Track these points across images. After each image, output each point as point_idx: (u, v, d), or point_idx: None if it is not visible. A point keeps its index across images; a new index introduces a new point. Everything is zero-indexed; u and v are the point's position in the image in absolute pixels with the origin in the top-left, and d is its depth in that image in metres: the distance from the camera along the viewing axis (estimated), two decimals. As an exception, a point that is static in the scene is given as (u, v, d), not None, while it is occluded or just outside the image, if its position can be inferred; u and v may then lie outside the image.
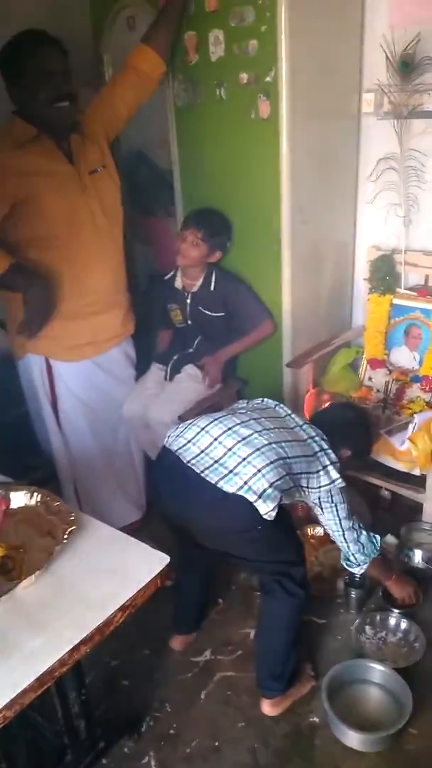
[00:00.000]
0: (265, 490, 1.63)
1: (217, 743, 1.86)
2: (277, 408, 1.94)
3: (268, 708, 1.91)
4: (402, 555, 2.34)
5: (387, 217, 2.61)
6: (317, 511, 1.89)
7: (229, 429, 1.77)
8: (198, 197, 2.63)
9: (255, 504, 1.62)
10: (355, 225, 2.74)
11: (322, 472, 1.80)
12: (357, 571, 1.98)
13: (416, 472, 2.26)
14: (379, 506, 2.64)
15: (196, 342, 2.68)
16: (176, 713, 1.95)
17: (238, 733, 1.88)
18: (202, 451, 1.74)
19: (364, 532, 1.92)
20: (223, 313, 2.58)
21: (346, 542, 1.90)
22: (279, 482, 1.66)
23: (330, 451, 1.85)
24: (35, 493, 1.57)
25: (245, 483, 1.64)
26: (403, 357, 2.64)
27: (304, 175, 2.33)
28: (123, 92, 2.26)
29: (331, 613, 2.25)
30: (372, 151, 2.55)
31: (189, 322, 2.66)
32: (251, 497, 1.62)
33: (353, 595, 2.21)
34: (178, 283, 2.61)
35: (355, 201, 2.69)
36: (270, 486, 1.64)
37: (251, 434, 1.74)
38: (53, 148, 2.07)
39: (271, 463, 1.68)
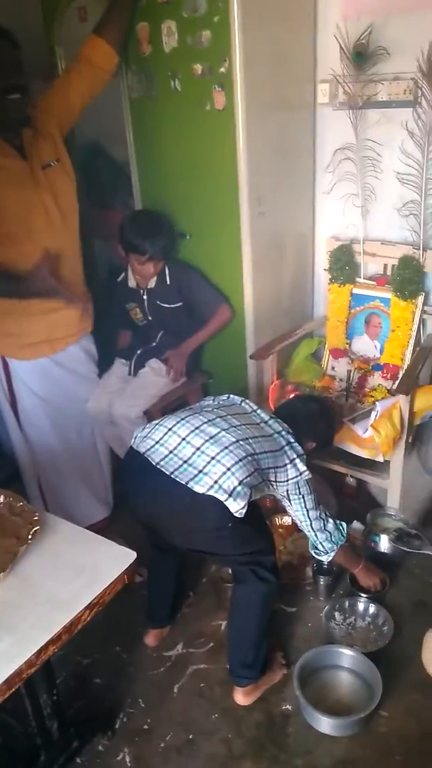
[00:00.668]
0: (235, 488, 1.63)
1: (191, 736, 1.87)
2: (242, 404, 1.95)
3: (241, 697, 1.92)
4: (368, 541, 2.37)
5: (345, 208, 2.63)
6: (285, 503, 1.90)
7: (197, 428, 1.76)
8: (156, 190, 2.62)
9: (226, 503, 1.62)
10: (314, 216, 2.75)
11: (289, 466, 1.82)
12: (325, 559, 2.00)
13: (380, 458, 2.29)
14: (344, 494, 2.67)
15: (159, 336, 2.67)
16: (149, 708, 1.95)
17: (211, 725, 1.89)
18: (171, 452, 1.73)
19: (330, 520, 1.94)
20: (180, 303, 2.58)
21: (314, 531, 1.92)
22: (248, 479, 1.67)
23: (296, 444, 1.86)
24: (-2, 494, 1.54)
25: (215, 482, 1.64)
26: (365, 346, 2.67)
27: (262, 166, 2.33)
28: (76, 84, 2.22)
29: (300, 601, 2.27)
30: (328, 142, 2.57)
31: (150, 318, 2.64)
32: (222, 496, 1.62)
33: (322, 582, 2.24)
34: (132, 283, 2.60)
35: (313, 192, 2.70)
36: (240, 483, 1.64)
37: (218, 432, 1.74)
38: (3, 143, 2.03)
39: (240, 460, 1.68)
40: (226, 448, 1.70)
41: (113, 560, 1.39)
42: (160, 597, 2.15)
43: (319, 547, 1.96)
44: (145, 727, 1.90)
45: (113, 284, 2.66)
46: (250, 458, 1.71)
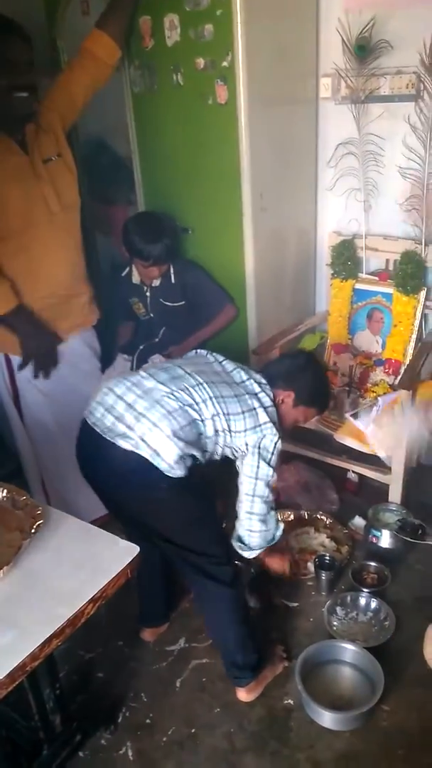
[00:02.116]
0: (164, 442, 1.57)
1: (193, 730, 1.87)
2: (208, 356, 1.89)
3: (243, 695, 1.91)
4: (370, 536, 2.37)
5: (347, 203, 2.63)
6: (238, 464, 1.77)
7: (133, 384, 1.70)
8: (158, 184, 2.62)
9: (150, 460, 1.56)
10: (316, 211, 2.75)
11: (246, 414, 1.70)
12: (247, 554, 1.84)
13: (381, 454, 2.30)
14: (346, 489, 2.68)
15: (161, 332, 2.67)
16: (152, 702, 1.96)
17: (214, 719, 1.89)
18: (106, 410, 1.67)
19: (274, 513, 1.82)
20: (183, 302, 2.57)
21: (253, 515, 1.77)
22: (180, 432, 1.60)
23: (263, 394, 1.76)
24: (1, 489, 1.54)
25: (141, 439, 1.58)
26: (367, 341, 2.67)
27: (264, 160, 2.32)
28: (79, 79, 2.21)
29: (302, 596, 2.27)
30: (331, 136, 2.57)
31: (152, 314, 2.64)
32: (146, 452, 1.56)
33: (324, 577, 2.24)
34: (136, 279, 2.59)
35: (316, 186, 2.70)
36: (168, 437, 1.57)
37: (153, 385, 1.67)
38: (5, 137, 2.03)
39: (170, 413, 1.61)
40: (156, 401, 1.63)
41: (116, 554, 1.39)
42: (149, 599, 2.12)
43: (247, 539, 1.80)
44: (148, 721, 1.90)
45: (117, 277, 2.66)
46: (186, 407, 1.63)
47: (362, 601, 2.15)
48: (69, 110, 2.23)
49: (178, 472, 1.58)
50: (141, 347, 2.66)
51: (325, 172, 2.65)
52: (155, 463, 1.57)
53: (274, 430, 1.73)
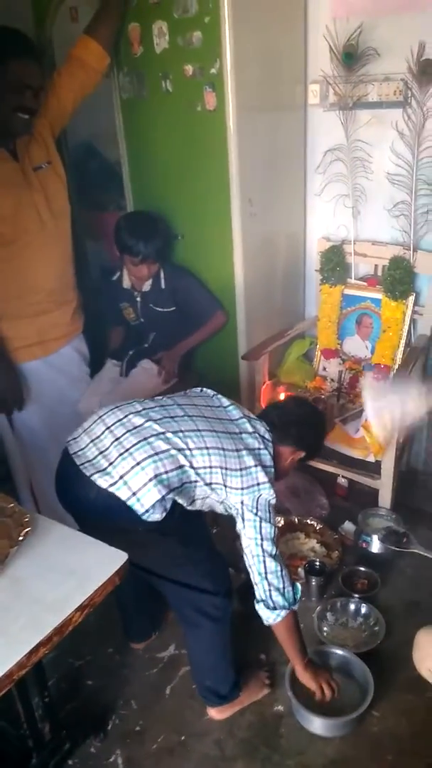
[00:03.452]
0: (144, 485, 1.49)
1: (183, 737, 1.86)
2: (213, 398, 1.79)
3: (213, 713, 1.88)
4: (360, 541, 2.38)
5: (336, 209, 2.64)
6: (239, 524, 1.64)
7: (125, 417, 1.61)
8: (147, 190, 2.62)
9: (128, 503, 1.49)
10: (305, 216, 2.76)
11: (244, 472, 1.61)
12: (273, 618, 1.63)
13: (371, 458, 2.30)
14: (336, 494, 2.68)
15: (151, 337, 2.67)
16: (142, 710, 1.95)
17: (203, 727, 1.89)
18: (92, 441, 1.61)
19: (287, 571, 1.66)
20: (174, 308, 2.57)
21: (266, 573, 1.61)
22: (164, 476, 1.51)
23: (265, 452, 1.67)
24: (-11, 496, 1.54)
25: (121, 477, 1.50)
26: (356, 346, 2.68)
27: (253, 167, 2.33)
28: (68, 85, 2.22)
29: (292, 602, 2.26)
30: (319, 143, 2.58)
31: (142, 319, 2.64)
32: (124, 494, 1.49)
33: (314, 583, 2.23)
34: (126, 283, 2.59)
35: (304, 192, 2.71)
36: (150, 480, 1.49)
37: (144, 422, 1.58)
38: None
39: (156, 454, 1.52)
40: (145, 439, 1.54)
41: (104, 562, 1.38)
42: (130, 617, 2.08)
43: (267, 598, 1.62)
44: (138, 728, 1.89)
45: (108, 282, 2.66)
46: (175, 452, 1.54)
47: (352, 606, 2.15)
48: (58, 117, 2.24)
49: (155, 515, 1.50)
50: (130, 352, 2.66)
51: (313, 178, 2.66)
52: (131, 504, 1.49)
53: (271, 491, 1.63)
